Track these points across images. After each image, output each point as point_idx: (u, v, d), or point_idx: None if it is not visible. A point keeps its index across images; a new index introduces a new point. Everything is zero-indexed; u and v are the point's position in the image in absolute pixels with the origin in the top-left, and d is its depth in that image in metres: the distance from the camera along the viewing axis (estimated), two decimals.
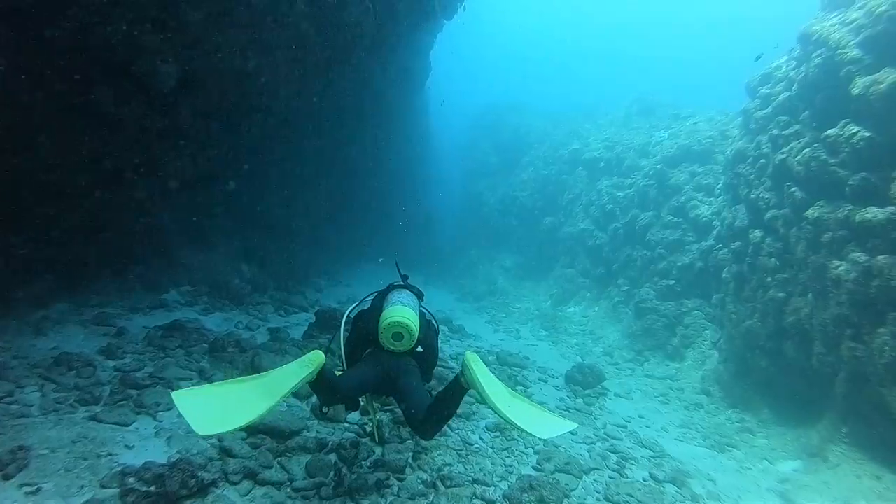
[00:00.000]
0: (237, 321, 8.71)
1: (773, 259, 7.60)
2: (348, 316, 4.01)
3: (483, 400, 3.17)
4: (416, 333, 3.60)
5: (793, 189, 6.85)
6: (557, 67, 52.66)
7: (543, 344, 12.79)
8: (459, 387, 3.34)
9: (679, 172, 12.72)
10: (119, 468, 3.83)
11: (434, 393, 3.61)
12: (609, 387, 9.41)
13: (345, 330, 3.92)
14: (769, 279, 7.63)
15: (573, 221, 17.18)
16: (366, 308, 4.08)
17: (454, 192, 28.02)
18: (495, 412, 3.11)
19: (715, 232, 10.66)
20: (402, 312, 3.58)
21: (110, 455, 4.06)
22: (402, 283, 4.12)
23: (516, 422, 3.04)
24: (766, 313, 7.77)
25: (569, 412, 7.70)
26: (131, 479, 3.66)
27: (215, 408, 2.88)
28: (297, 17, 7.16)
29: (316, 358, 3.17)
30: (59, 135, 4.89)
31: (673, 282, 11.64)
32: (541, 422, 3.31)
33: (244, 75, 6.38)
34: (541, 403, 7.85)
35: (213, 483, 3.95)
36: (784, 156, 7.15)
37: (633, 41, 51.95)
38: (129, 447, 4.25)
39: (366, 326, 3.80)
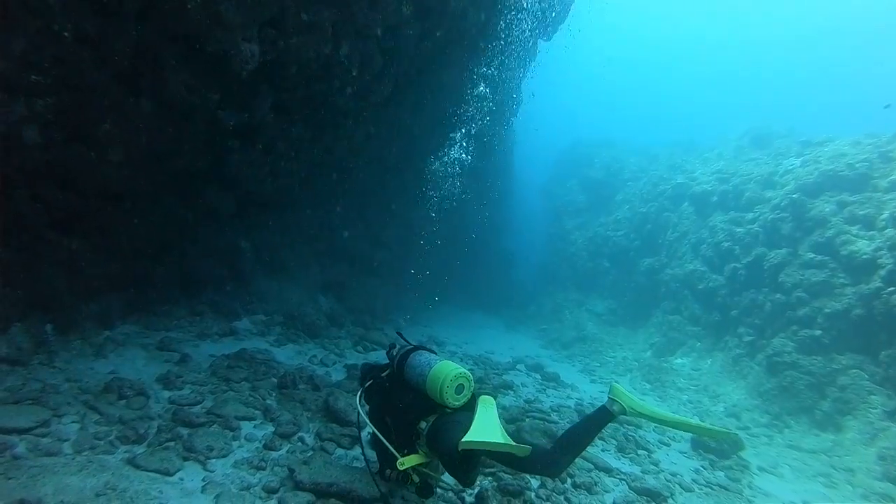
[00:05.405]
0: (311, 355, 7.84)
1: None
2: (361, 400, 3.86)
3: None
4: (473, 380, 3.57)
5: None
6: (650, 101, 50.04)
7: (649, 399, 11.02)
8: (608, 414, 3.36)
9: (822, 203, 10.72)
10: None
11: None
12: (747, 457, 7.57)
13: (372, 414, 3.80)
14: None
15: (679, 262, 15.29)
16: (386, 385, 3.88)
17: (536, 232, 26.61)
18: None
19: (883, 271, 8.64)
20: (453, 365, 3.50)
21: None
22: (415, 344, 3.95)
23: None
24: None
25: (712, 490, 6.04)
26: None
27: None
28: None
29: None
30: (124, 121, 4.20)
31: (819, 332, 9.58)
32: None
33: (333, 63, 5.52)
34: (673, 475, 6.28)
35: None
36: None
37: (734, 66, 48.52)
38: None
39: (413, 396, 3.61)
